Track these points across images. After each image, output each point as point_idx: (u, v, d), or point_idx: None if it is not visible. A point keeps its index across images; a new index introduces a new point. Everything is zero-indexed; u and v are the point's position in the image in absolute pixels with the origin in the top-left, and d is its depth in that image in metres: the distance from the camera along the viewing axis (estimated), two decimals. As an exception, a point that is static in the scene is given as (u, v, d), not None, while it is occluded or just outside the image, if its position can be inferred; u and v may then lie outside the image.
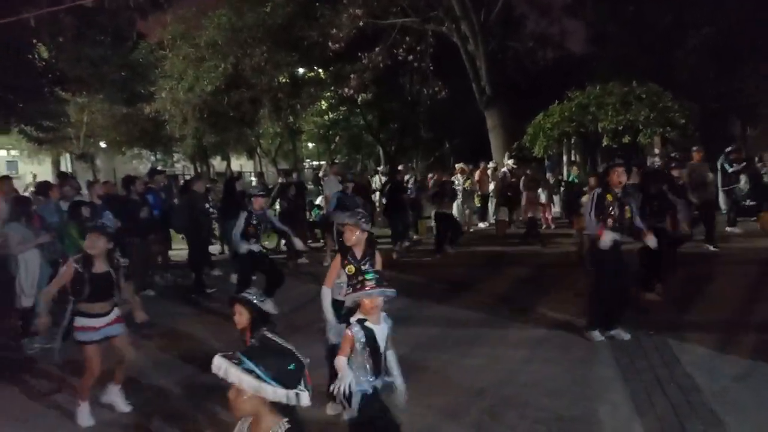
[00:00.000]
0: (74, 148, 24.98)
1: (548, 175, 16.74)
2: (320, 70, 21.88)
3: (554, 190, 15.58)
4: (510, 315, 6.78)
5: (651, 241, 5.84)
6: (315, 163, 33.43)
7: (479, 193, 15.09)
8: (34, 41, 14.51)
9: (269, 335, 1.95)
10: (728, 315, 6.27)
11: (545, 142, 17.12)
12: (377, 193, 15.28)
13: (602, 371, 4.99)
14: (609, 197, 5.58)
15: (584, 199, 7.75)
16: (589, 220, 5.66)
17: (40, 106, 15.04)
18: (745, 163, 11.64)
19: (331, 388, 3.29)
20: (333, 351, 3.98)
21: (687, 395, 4.38)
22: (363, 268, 4.12)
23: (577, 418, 4.14)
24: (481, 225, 14.99)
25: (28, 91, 14.07)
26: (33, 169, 27.30)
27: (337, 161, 22.51)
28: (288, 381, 1.84)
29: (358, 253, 4.25)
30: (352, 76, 19.69)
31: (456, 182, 13.75)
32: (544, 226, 13.82)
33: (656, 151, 15.39)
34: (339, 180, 11.47)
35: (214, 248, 11.84)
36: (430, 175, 16.28)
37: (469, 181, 14.31)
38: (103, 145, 27.28)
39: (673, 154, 12.19)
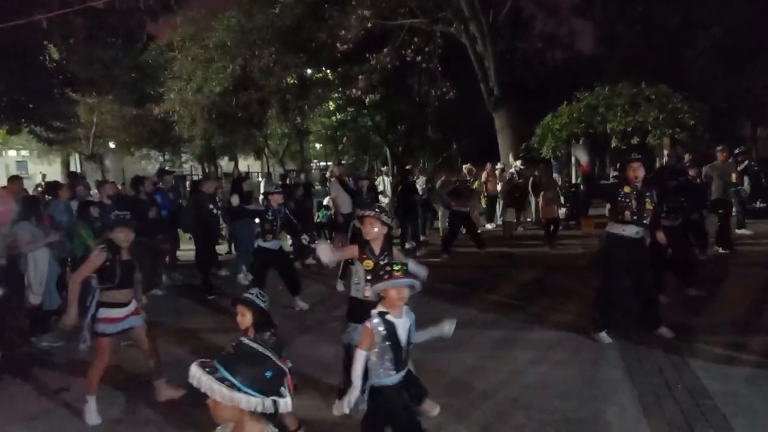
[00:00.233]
0: (84, 148, 25.17)
1: (555, 176, 16.69)
2: (328, 71, 21.92)
3: (562, 191, 15.50)
4: (517, 316, 6.75)
5: (660, 235, 5.84)
6: (322, 163, 33.49)
7: (486, 194, 15.06)
8: (45, 43, 14.63)
9: (246, 341, 1.88)
10: (738, 317, 6.21)
11: (553, 143, 17.04)
12: (381, 194, 15.28)
13: (610, 373, 4.96)
14: (627, 189, 5.54)
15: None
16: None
17: (51, 106, 15.17)
18: (746, 163, 11.51)
19: (344, 400, 3.22)
20: (350, 353, 3.94)
21: (696, 398, 4.34)
22: (381, 263, 4.00)
23: (584, 420, 4.11)
24: (488, 226, 14.96)
25: (38, 92, 14.19)
26: (43, 169, 27.55)
27: (344, 162, 22.53)
28: (265, 388, 1.77)
29: (377, 248, 4.09)
30: (360, 77, 19.71)
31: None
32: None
33: (665, 152, 15.30)
34: (348, 178, 11.52)
35: (221, 248, 11.89)
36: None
37: (476, 182, 14.29)
38: (112, 145, 27.48)
39: (686, 155, 12.10)
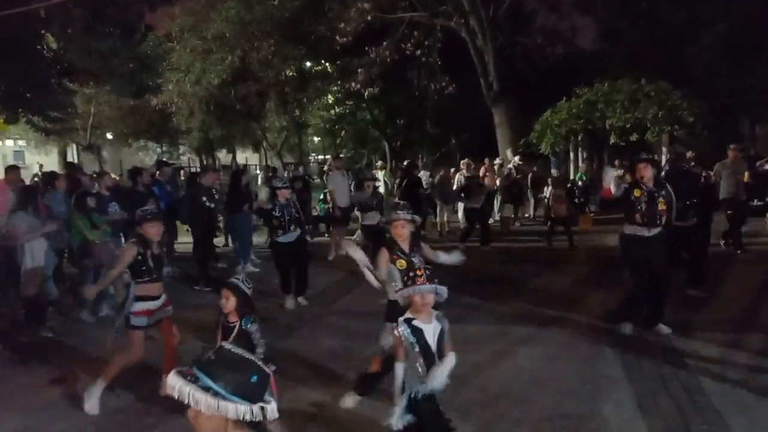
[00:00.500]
0: (81, 139, 25.09)
1: (553, 172, 16.68)
2: (327, 64, 21.86)
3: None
4: (514, 312, 6.76)
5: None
6: (320, 157, 33.45)
7: (484, 189, 15.03)
8: (43, 32, 14.54)
9: (227, 346, 1.78)
10: (735, 315, 6.23)
11: (552, 139, 17.04)
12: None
13: (607, 370, 4.97)
14: (637, 192, 5.53)
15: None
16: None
17: (48, 96, 15.10)
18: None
19: (390, 419, 3.16)
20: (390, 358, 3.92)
21: (692, 395, 4.36)
22: (413, 260, 4.07)
23: (581, 416, 4.12)
24: (487, 221, 14.93)
25: (36, 82, 14.12)
26: (40, 160, 27.46)
27: (342, 156, 22.50)
28: (251, 395, 1.68)
29: (406, 246, 4.17)
30: (359, 70, 19.65)
31: (464, 178, 13.70)
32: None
33: (664, 149, 15.31)
34: (347, 173, 11.54)
35: (218, 240, 11.85)
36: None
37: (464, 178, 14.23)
38: (109, 136, 27.41)
39: (688, 153, 12.04)
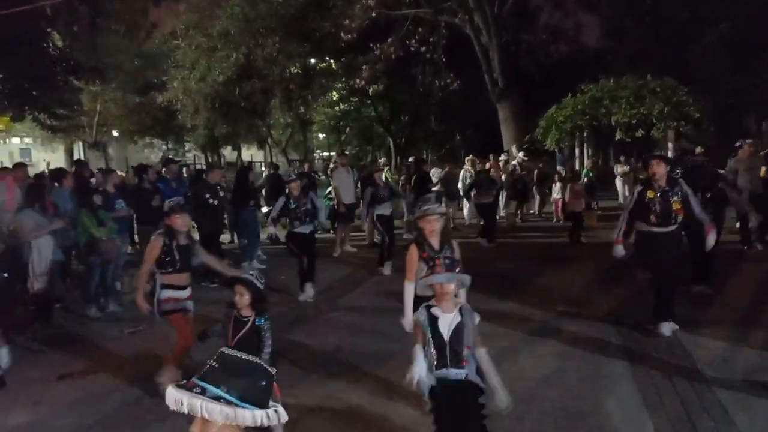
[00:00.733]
0: (87, 136, 25.19)
1: (559, 168, 16.63)
2: (332, 61, 21.87)
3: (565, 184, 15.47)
4: (519, 308, 6.75)
5: (711, 238, 5.59)
6: (325, 153, 33.47)
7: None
8: (49, 30, 14.59)
9: (228, 352, 1.71)
10: (741, 312, 6.20)
11: (557, 135, 17.01)
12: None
13: (612, 366, 4.97)
14: (650, 194, 5.46)
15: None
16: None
17: (54, 94, 15.15)
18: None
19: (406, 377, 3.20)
20: None
21: (697, 391, 4.35)
22: (445, 256, 3.99)
23: (585, 412, 4.13)
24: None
25: (42, 79, 14.17)
26: (46, 157, 27.60)
27: (347, 152, 22.53)
28: (263, 399, 1.61)
29: (436, 242, 4.03)
30: (363, 67, 19.65)
31: (469, 175, 13.69)
32: (555, 220, 13.75)
33: (670, 145, 15.25)
34: (348, 170, 11.55)
35: (224, 237, 11.89)
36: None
37: (475, 172, 14.21)
38: (115, 133, 27.50)
39: (697, 148, 11.89)
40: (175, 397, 1.57)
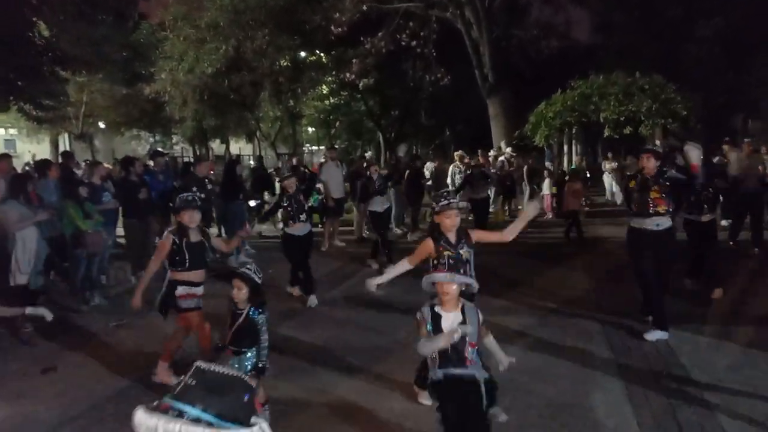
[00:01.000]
0: (73, 127, 24.88)
1: (548, 164, 16.71)
2: (322, 55, 21.76)
3: (554, 180, 15.54)
4: (507, 302, 6.79)
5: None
6: (314, 148, 33.36)
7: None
8: (34, 19, 14.38)
9: (203, 365, 1.53)
10: (725, 306, 6.29)
11: (547, 131, 17.08)
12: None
13: (597, 359, 5.01)
14: (631, 183, 5.59)
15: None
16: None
17: (40, 84, 14.94)
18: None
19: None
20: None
21: (680, 385, 4.41)
22: (460, 251, 3.94)
23: (570, 405, 4.16)
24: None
25: (27, 70, 13.96)
26: (31, 148, 27.24)
27: (336, 147, 22.47)
28: (245, 416, 1.45)
29: (452, 236, 3.99)
30: (354, 60, 19.57)
31: (458, 170, 13.73)
32: (544, 216, 13.82)
33: (657, 142, 15.35)
34: (337, 164, 11.53)
35: (212, 231, 11.83)
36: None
37: (468, 168, 14.26)
38: (102, 125, 27.18)
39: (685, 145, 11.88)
40: (148, 424, 1.37)
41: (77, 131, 24.87)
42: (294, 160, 14.19)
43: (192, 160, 17.86)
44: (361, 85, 22.38)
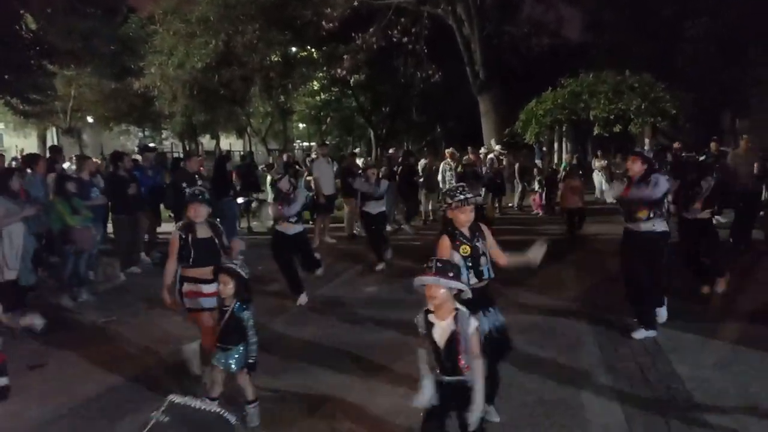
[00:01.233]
0: (61, 122, 24.63)
1: (537, 162, 16.78)
2: (313, 50, 21.69)
3: (543, 177, 15.63)
4: (497, 300, 6.79)
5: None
6: (305, 143, 33.27)
7: (469, 178, 15.08)
8: (22, 12, 14.21)
9: (178, 400, 1.34)
10: (713, 304, 6.34)
11: (537, 128, 17.15)
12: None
13: (586, 357, 5.04)
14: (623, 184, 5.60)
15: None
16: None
17: (27, 78, 14.80)
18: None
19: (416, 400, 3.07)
20: None
21: (668, 382, 4.44)
22: (477, 245, 3.83)
23: (559, 403, 4.19)
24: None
25: (14, 63, 13.82)
26: (19, 143, 26.91)
27: (327, 143, 22.45)
28: None
29: (466, 231, 3.87)
30: (345, 56, 19.52)
31: (449, 167, 13.74)
32: (534, 212, 13.88)
33: (647, 140, 15.47)
34: (328, 160, 11.50)
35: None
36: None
37: (459, 167, 14.28)
38: (90, 120, 26.93)
39: (675, 144, 11.90)
40: None
41: (65, 126, 24.62)
42: (284, 156, 14.16)
43: (181, 155, 17.76)
44: (352, 81, 22.36)
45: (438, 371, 3.04)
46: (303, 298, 6.91)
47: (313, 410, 4.19)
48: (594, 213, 13.79)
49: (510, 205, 15.26)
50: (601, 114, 15.82)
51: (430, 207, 13.41)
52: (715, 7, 21.58)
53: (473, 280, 3.75)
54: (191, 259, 4.41)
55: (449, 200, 3.81)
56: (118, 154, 9.42)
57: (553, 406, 4.14)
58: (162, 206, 10.21)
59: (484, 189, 13.53)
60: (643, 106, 15.48)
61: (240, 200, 11.55)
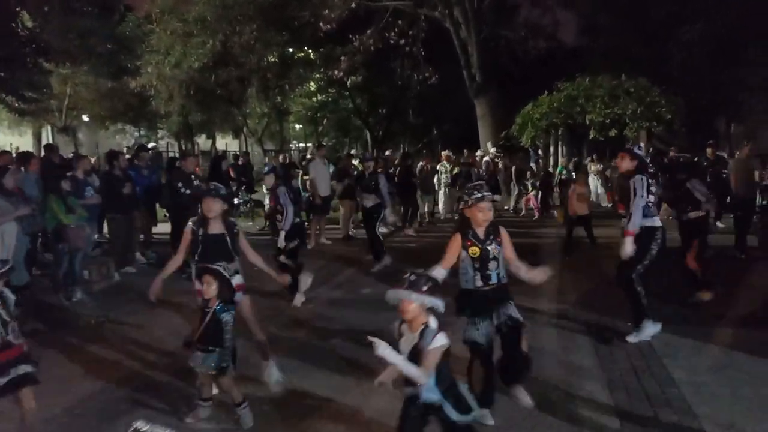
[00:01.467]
0: (56, 120, 24.53)
1: (532, 165, 16.83)
2: (310, 51, 21.68)
3: (538, 180, 15.66)
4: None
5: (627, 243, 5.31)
6: (301, 144, 33.25)
7: (466, 180, 15.12)
8: (18, 9, 14.17)
9: (143, 428, 1.26)
10: (707, 308, 6.36)
11: (533, 132, 17.19)
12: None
13: (580, 360, 5.05)
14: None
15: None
16: None
17: (23, 76, 14.75)
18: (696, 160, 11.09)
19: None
20: (475, 354, 3.81)
21: (662, 386, 4.45)
22: (488, 247, 3.75)
23: (554, 405, 4.19)
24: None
25: (10, 61, 13.77)
26: (13, 141, 26.77)
27: (324, 144, 22.45)
28: None
29: (481, 232, 3.77)
30: (342, 58, 19.53)
31: (444, 169, 13.77)
32: (522, 213, 13.92)
33: (642, 144, 15.51)
34: (324, 162, 11.50)
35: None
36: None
37: (456, 169, 14.31)
38: (86, 118, 26.82)
39: (671, 149, 11.91)
40: None
41: (60, 124, 24.52)
42: (281, 157, 14.14)
43: (177, 155, 17.71)
44: (349, 82, 22.37)
45: (405, 383, 2.97)
46: (299, 299, 6.90)
47: (308, 412, 4.18)
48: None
49: (506, 207, 15.28)
50: (597, 118, 15.86)
51: (426, 209, 13.42)
52: (710, 10, 21.67)
53: (479, 283, 3.74)
54: (198, 256, 4.31)
55: (467, 198, 3.76)
56: (113, 153, 9.39)
57: (547, 408, 4.14)
58: (158, 206, 10.18)
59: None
60: (638, 111, 15.54)
61: (235, 201, 11.53)
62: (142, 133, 31.04)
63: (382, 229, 9.78)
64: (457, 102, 22.94)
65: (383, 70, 23.37)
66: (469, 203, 3.73)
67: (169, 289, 7.56)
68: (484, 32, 20.39)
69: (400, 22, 19.52)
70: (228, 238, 4.38)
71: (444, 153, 14.92)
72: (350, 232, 11.48)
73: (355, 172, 11.35)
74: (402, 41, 19.72)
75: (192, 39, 18.39)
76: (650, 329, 5.36)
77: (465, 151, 15.75)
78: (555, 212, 13.68)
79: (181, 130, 25.90)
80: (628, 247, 5.26)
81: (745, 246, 9.04)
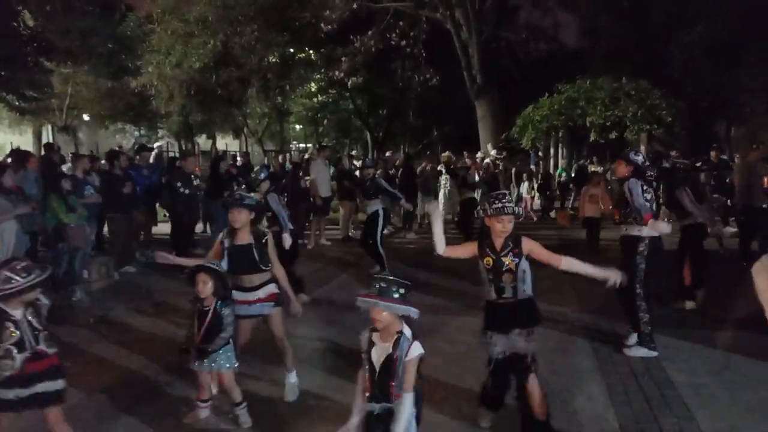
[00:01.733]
0: (57, 119, 24.52)
1: (532, 167, 16.83)
2: (311, 52, 21.67)
3: (538, 182, 15.69)
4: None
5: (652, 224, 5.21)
6: (302, 145, 33.24)
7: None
8: (20, 8, 14.18)
9: None
10: (706, 311, 6.36)
11: (534, 134, 17.19)
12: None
13: (580, 362, 5.06)
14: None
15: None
16: None
17: (24, 75, 14.75)
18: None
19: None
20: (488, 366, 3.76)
21: (661, 388, 4.46)
22: (503, 259, 3.64)
23: (552, 408, 4.18)
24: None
25: (11, 60, 13.78)
26: (13, 140, 26.74)
27: (324, 144, 22.44)
28: None
29: (498, 242, 3.66)
30: (343, 59, 19.53)
31: (443, 171, 13.75)
32: (530, 208, 13.93)
33: (642, 147, 15.52)
34: (326, 162, 11.49)
35: (197, 227, 11.73)
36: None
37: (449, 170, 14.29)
38: (86, 118, 26.80)
39: (672, 152, 11.87)
40: None
41: (61, 123, 24.50)
42: (281, 158, 14.14)
43: (177, 155, 17.71)
44: (349, 83, 22.34)
45: (368, 395, 2.88)
46: (301, 299, 6.88)
47: (306, 412, 4.19)
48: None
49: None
50: (598, 120, 15.87)
51: (425, 211, 13.41)
52: (711, 13, 21.68)
53: (493, 295, 3.69)
54: (226, 266, 4.15)
55: (486, 206, 3.65)
56: (114, 152, 9.40)
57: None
58: (158, 205, 10.19)
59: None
60: (639, 113, 15.55)
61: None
62: (143, 132, 31.02)
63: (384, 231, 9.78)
64: (458, 103, 22.94)
65: (384, 71, 23.35)
66: (489, 212, 3.61)
67: (169, 289, 7.62)
68: (485, 34, 20.39)
69: (401, 23, 19.52)
70: (255, 249, 4.21)
71: (444, 155, 14.92)
72: (350, 233, 11.49)
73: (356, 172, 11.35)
74: (403, 42, 19.71)
75: (193, 39, 18.38)
76: (643, 352, 5.22)
77: (465, 152, 15.74)
78: (554, 214, 13.71)
79: (181, 130, 25.86)
80: (665, 228, 5.18)
81: (748, 252, 8.92)
